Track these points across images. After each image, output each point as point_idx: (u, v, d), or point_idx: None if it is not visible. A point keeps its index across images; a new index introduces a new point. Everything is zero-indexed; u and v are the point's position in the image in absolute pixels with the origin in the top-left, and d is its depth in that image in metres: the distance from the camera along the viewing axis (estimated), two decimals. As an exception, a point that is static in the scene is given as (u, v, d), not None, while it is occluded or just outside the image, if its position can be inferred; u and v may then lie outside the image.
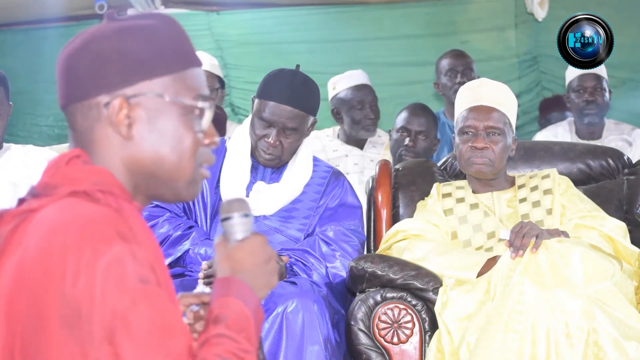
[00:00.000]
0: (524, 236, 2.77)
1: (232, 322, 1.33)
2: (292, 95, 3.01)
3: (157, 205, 3.04)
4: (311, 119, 3.08)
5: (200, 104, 1.41)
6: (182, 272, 2.99)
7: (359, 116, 4.58)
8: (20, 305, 1.25)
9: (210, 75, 4.97)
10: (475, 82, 3.29)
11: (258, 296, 1.41)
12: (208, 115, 1.43)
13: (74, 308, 1.22)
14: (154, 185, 1.40)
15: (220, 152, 3.12)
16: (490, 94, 3.12)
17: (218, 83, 5.03)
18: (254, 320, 1.37)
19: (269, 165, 3.09)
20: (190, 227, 3.03)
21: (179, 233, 3.01)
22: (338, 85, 4.68)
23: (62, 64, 1.40)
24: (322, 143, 4.63)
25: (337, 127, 4.75)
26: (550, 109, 5.53)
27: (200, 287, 1.69)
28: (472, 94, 3.13)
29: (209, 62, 5.15)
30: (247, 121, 3.14)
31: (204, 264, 2.83)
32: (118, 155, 1.38)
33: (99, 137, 1.38)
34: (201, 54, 5.17)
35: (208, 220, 3.07)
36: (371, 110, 4.60)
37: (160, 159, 1.38)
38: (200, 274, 2.81)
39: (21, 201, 1.37)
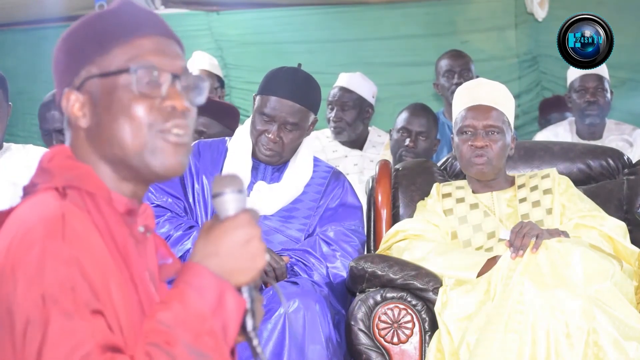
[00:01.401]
0: (524, 236, 2.77)
1: (169, 315, 1.26)
2: (294, 90, 3.02)
3: (158, 206, 3.04)
4: (312, 116, 3.09)
5: (139, 67, 1.35)
6: (182, 272, 2.98)
7: (328, 116, 4.59)
8: None
9: (210, 75, 4.97)
10: (472, 82, 3.29)
11: (232, 281, 1.30)
12: (165, 80, 1.37)
13: (4, 307, 1.22)
14: (128, 167, 1.37)
15: (221, 152, 3.13)
16: (488, 93, 3.12)
17: (218, 82, 5.03)
18: (213, 309, 1.27)
19: (269, 162, 3.08)
20: (191, 227, 3.03)
21: (179, 233, 3.01)
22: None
23: None
24: (322, 144, 4.63)
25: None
26: (550, 109, 5.52)
27: None
28: (470, 94, 3.14)
29: (208, 61, 5.16)
30: (248, 121, 3.15)
31: None
32: (89, 147, 1.38)
33: (71, 134, 1.41)
34: (201, 54, 5.17)
35: (209, 220, 3.07)
36: (341, 112, 4.55)
37: (115, 136, 1.36)
38: None
39: None
